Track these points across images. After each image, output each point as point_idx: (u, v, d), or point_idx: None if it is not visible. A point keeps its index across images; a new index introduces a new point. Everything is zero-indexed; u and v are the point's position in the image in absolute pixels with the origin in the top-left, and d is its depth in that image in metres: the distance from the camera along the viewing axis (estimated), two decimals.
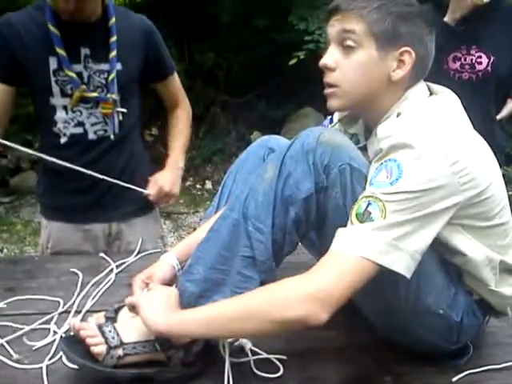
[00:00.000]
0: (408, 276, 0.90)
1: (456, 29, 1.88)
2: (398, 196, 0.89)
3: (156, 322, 0.94)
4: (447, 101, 1.03)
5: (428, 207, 0.90)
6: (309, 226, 1.00)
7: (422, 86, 1.06)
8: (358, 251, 0.88)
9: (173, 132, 1.74)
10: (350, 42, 1.01)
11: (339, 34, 1.02)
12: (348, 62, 1.02)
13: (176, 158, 1.69)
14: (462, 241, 0.99)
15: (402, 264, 0.89)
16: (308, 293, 0.88)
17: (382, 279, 0.92)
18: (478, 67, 1.86)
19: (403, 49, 1.01)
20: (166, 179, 1.63)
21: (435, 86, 1.08)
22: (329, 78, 1.04)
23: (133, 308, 1.01)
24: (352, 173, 0.96)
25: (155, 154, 3.30)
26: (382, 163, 0.93)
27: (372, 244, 0.88)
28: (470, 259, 0.99)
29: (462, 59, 1.88)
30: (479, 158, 0.98)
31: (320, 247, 1.05)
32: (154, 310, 0.96)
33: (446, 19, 1.92)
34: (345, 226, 0.93)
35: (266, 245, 0.97)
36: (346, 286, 0.88)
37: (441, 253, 1.01)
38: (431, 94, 1.06)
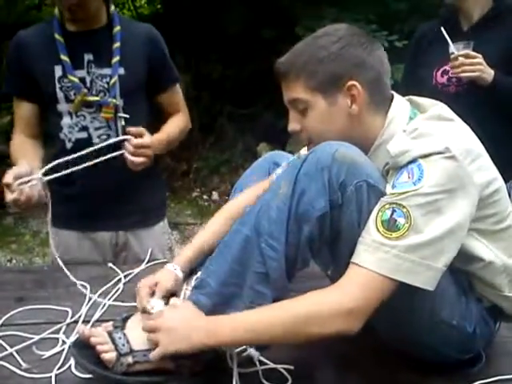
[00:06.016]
0: (433, 289, 0.92)
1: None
2: (421, 198, 0.90)
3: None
4: (443, 109, 1.04)
5: (452, 209, 0.91)
6: (322, 243, 1.00)
7: (399, 102, 1.07)
8: (389, 273, 0.90)
9: (165, 124, 1.65)
10: (300, 107, 1.06)
11: (289, 103, 1.08)
12: (307, 121, 1.06)
13: (160, 136, 1.59)
14: (479, 246, 0.99)
15: (433, 282, 0.92)
16: (344, 313, 0.91)
17: (397, 295, 0.93)
18: (464, 80, 1.77)
19: (348, 84, 1.02)
20: (152, 137, 1.52)
21: (423, 100, 1.09)
22: (301, 138, 1.10)
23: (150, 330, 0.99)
24: (369, 190, 0.95)
25: (162, 166, 3.29)
26: (402, 167, 0.95)
27: (403, 266, 0.90)
28: (488, 265, 1.00)
29: (450, 72, 1.81)
30: (489, 159, 1.00)
31: (332, 263, 1.07)
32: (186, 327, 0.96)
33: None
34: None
35: (279, 262, 0.98)
36: (376, 304, 0.92)
37: (453, 262, 1.00)
38: (419, 108, 1.07)
